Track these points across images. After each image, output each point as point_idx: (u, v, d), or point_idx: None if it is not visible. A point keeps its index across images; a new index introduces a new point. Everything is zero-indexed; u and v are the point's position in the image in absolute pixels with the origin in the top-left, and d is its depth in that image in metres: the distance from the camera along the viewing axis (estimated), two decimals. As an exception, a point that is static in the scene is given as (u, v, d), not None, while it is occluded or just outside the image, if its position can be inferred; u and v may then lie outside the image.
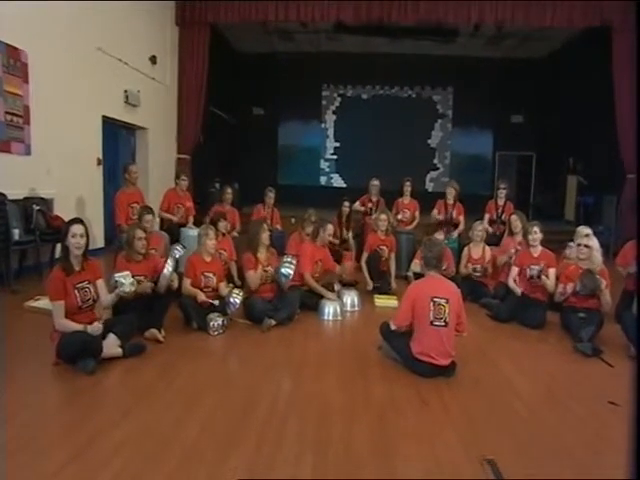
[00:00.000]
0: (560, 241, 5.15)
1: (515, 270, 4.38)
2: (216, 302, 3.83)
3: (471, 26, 9.08)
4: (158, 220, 5.99)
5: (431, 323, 2.97)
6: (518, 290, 4.30)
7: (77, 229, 2.95)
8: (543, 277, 4.12)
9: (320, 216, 5.15)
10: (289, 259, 4.16)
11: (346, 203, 6.28)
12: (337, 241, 6.01)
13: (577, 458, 2.19)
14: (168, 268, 3.49)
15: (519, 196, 11.44)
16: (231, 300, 3.78)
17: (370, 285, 5.10)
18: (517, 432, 2.40)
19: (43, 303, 3.75)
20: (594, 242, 4.07)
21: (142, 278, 3.50)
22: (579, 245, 4.08)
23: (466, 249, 5.16)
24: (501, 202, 6.23)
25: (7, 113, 4.87)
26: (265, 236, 4.11)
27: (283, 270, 4.07)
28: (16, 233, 4.63)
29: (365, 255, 5.29)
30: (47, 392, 2.72)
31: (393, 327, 3.18)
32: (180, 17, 8.65)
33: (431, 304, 2.98)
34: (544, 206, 11.18)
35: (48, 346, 2.93)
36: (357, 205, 6.69)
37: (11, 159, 4.94)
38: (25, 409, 2.43)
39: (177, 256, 3.89)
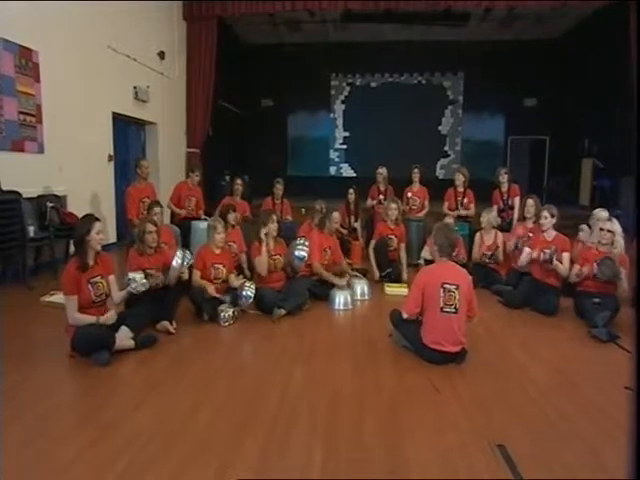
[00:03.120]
0: (574, 226, 5.04)
1: (527, 250, 4.21)
2: (226, 298, 3.84)
3: (482, 9, 8.87)
4: (169, 212, 6.05)
5: (441, 310, 2.95)
6: (532, 252, 4.12)
7: (100, 226, 3.06)
8: (556, 261, 4.03)
9: (329, 206, 5.14)
10: (302, 241, 4.16)
11: (351, 190, 6.25)
12: (345, 231, 6.01)
13: (592, 444, 2.16)
14: (177, 260, 3.53)
15: (532, 181, 11.25)
16: (244, 293, 3.81)
17: (377, 275, 5.07)
18: (530, 418, 2.37)
19: (58, 298, 3.82)
20: (617, 226, 3.90)
21: (154, 271, 3.54)
22: (601, 230, 3.91)
23: (478, 235, 5.09)
24: (504, 188, 6.04)
25: (20, 113, 4.94)
26: (273, 226, 4.12)
27: (297, 253, 4.08)
28: (31, 230, 4.72)
29: (373, 243, 5.26)
30: (63, 383, 2.79)
31: (405, 316, 3.14)
32: (188, 11, 8.66)
33: (441, 290, 2.95)
34: (558, 190, 10.96)
35: (63, 339, 3.00)
36: (368, 202, 6.64)
37: (25, 158, 5.03)
38: (42, 399, 2.49)
39: (185, 262, 3.60)
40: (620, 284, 3.74)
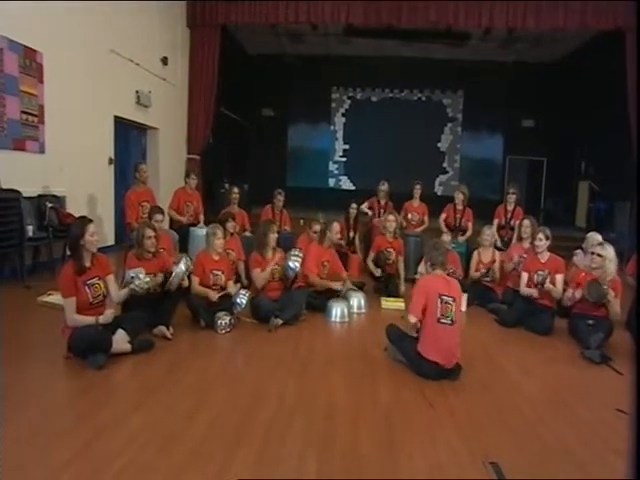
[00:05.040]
0: (570, 248, 5.10)
1: (525, 276, 4.30)
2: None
3: (482, 29, 9.05)
4: (168, 219, 6.04)
5: (438, 320, 2.98)
6: (533, 291, 4.19)
7: (93, 227, 3.05)
8: (549, 284, 4.08)
9: (328, 218, 5.16)
10: (296, 252, 4.19)
11: (353, 205, 6.29)
12: (343, 243, 6.03)
13: (583, 464, 2.17)
14: (181, 266, 3.53)
15: (529, 201, 11.35)
16: (237, 300, 3.82)
17: (377, 271, 5.09)
18: (522, 436, 2.39)
19: (55, 298, 3.80)
20: (608, 251, 3.89)
21: (152, 276, 3.54)
22: (592, 253, 3.96)
23: (476, 253, 5.13)
24: (510, 207, 6.12)
25: (22, 112, 4.95)
26: (273, 237, 4.14)
27: (290, 263, 4.10)
28: (30, 230, 4.70)
29: (371, 255, 5.30)
30: (59, 384, 2.78)
31: (413, 320, 3.06)
32: (191, 18, 8.75)
33: (438, 301, 2.99)
34: (555, 212, 11.10)
35: (60, 340, 2.98)
36: (365, 206, 6.68)
37: (26, 157, 5.03)
38: (38, 400, 2.48)
39: (184, 268, 3.60)
40: (610, 307, 3.74)
